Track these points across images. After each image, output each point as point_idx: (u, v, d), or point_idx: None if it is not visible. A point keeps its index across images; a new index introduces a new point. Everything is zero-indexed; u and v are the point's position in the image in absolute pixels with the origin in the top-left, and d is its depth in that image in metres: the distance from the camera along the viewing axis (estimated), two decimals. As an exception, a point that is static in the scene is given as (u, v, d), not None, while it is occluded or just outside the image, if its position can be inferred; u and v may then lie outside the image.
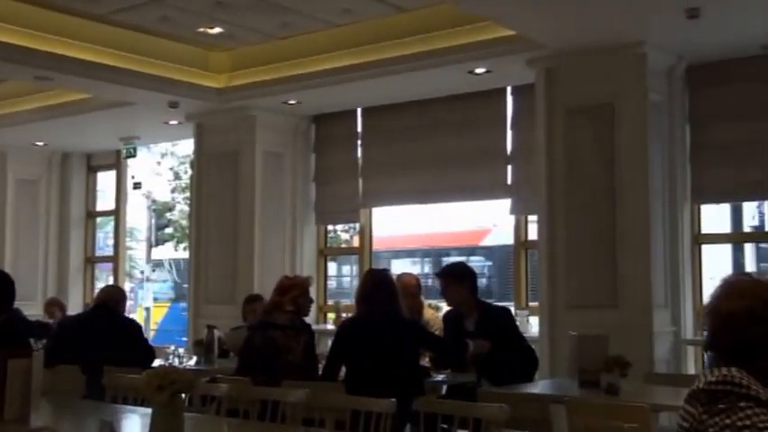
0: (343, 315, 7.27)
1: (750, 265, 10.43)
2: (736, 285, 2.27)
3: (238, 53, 7.65)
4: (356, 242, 9.02)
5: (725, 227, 7.68)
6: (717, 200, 6.74)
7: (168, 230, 19.11)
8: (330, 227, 9.13)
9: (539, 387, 4.81)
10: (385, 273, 4.81)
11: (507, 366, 4.83)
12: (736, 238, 7.76)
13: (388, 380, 4.24)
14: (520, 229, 7.31)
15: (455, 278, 5.15)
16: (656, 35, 5.80)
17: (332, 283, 12.84)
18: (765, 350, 2.17)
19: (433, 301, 6.43)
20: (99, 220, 11.00)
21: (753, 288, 2.23)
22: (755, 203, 8.03)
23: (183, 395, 2.97)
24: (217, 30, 7.01)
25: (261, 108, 7.96)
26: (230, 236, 8.13)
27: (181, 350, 6.11)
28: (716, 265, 6.68)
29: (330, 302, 8.48)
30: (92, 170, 10.56)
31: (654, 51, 5.95)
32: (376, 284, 4.64)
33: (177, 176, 18.17)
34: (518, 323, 5.64)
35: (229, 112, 8.03)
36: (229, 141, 8.19)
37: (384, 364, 4.37)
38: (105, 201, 10.69)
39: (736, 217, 8.37)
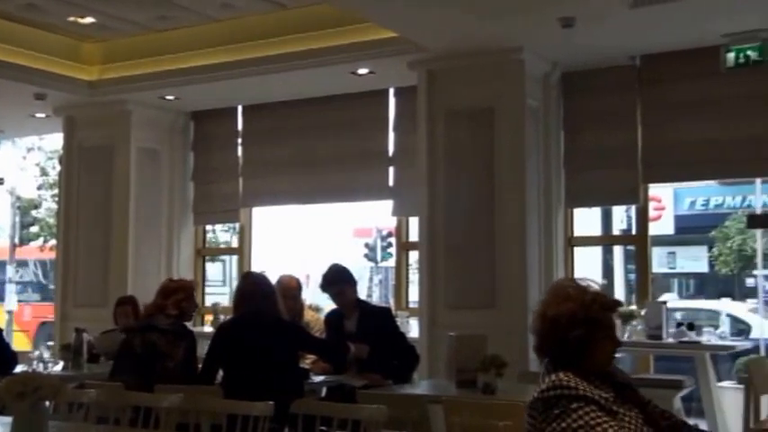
0: (221, 317, 7.11)
1: (618, 267, 10.97)
2: (561, 291, 2.36)
3: (112, 45, 7.36)
4: (235, 242, 8.86)
5: (596, 230, 8.02)
6: (588, 204, 7.01)
7: (34, 229, 18.26)
8: (209, 227, 8.93)
9: (417, 387, 4.84)
10: (263, 274, 4.74)
11: (388, 365, 4.86)
12: (607, 241, 8.12)
13: (266, 382, 4.16)
14: (401, 230, 7.36)
15: (348, 282, 5.19)
16: (533, 42, 5.96)
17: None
18: (587, 351, 2.27)
19: (314, 303, 6.40)
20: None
21: (576, 293, 2.32)
22: (624, 208, 8.41)
23: (48, 402, 2.84)
24: (89, 20, 6.73)
25: (136, 103, 7.68)
26: (102, 235, 7.81)
27: (46, 355, 5.81)
28: (587, 267, 6.97)
29: (208, 304, 8.28)
30: (-51, 164, 9.96)
31: (531, 58, 6.12)
32: (254, 286, 4.56)
33: (44, 172, 17.37)
34: (398, 323, 5.67)
35: (102, 106, 7.71)
36: (102, 136, 7.87)
37: (263, 367, 4.29)
38: (-36, 197, 10.09)
39: (606, 220, 8.79)
